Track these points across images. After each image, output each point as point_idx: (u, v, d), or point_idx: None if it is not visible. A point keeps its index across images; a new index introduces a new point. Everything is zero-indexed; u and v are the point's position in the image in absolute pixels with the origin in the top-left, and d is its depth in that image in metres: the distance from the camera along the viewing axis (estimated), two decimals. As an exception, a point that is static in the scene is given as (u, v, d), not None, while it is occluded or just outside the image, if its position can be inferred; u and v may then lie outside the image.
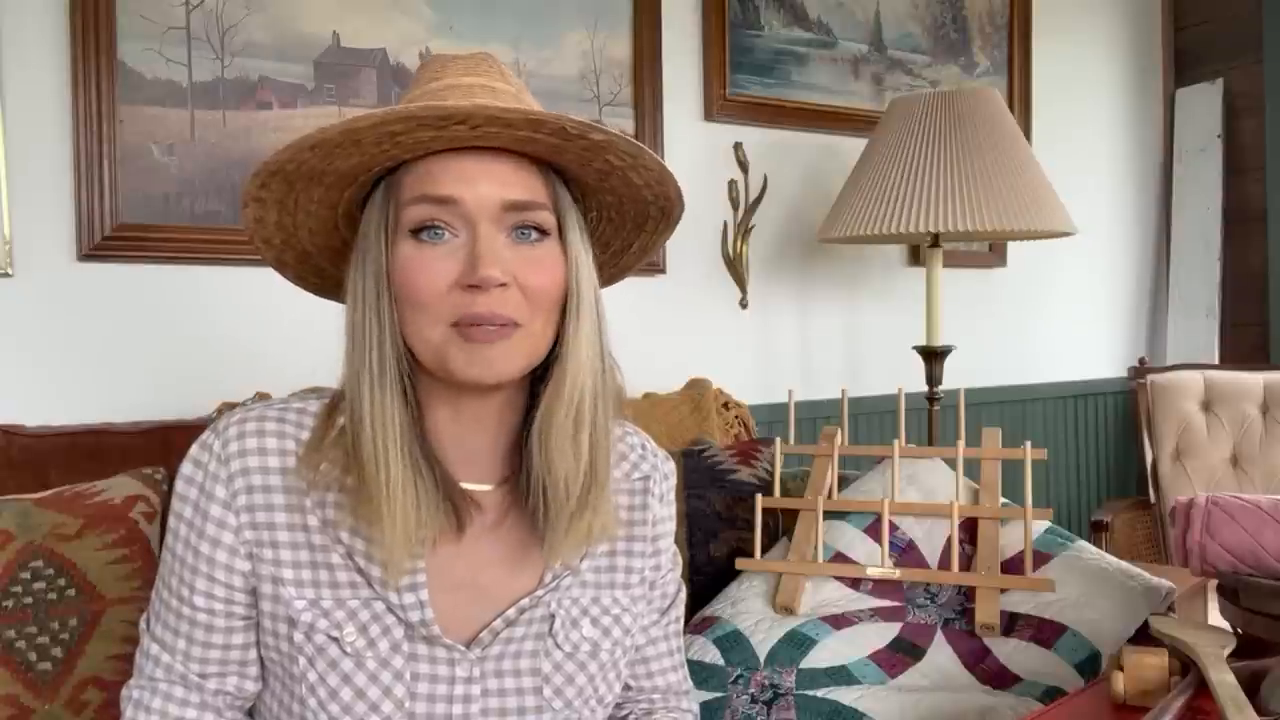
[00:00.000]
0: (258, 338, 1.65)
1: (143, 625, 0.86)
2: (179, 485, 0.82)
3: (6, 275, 1.49)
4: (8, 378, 1.50)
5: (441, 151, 0.76)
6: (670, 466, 0.97)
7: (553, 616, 0.85)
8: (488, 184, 0.75)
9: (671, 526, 0.96)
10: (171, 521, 0.82)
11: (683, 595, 0.99)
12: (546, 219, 0.78)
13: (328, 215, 0.83)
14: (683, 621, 1.00)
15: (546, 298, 0.78)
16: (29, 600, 1.17)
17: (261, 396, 1.52)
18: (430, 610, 0.80)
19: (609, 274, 0.93)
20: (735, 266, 2.16)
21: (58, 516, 1.21)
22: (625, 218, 0.87)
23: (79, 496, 1.24)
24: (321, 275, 0.89)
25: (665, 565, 0.95)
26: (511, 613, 0.83)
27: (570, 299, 0.80)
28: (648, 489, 0.93)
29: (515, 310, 0.76)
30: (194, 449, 0.82)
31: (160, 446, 1.39)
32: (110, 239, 1.54)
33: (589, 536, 0.82)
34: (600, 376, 0.82)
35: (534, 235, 0.78)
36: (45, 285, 1.52)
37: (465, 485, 0.82)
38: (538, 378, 0.82)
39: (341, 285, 0.82)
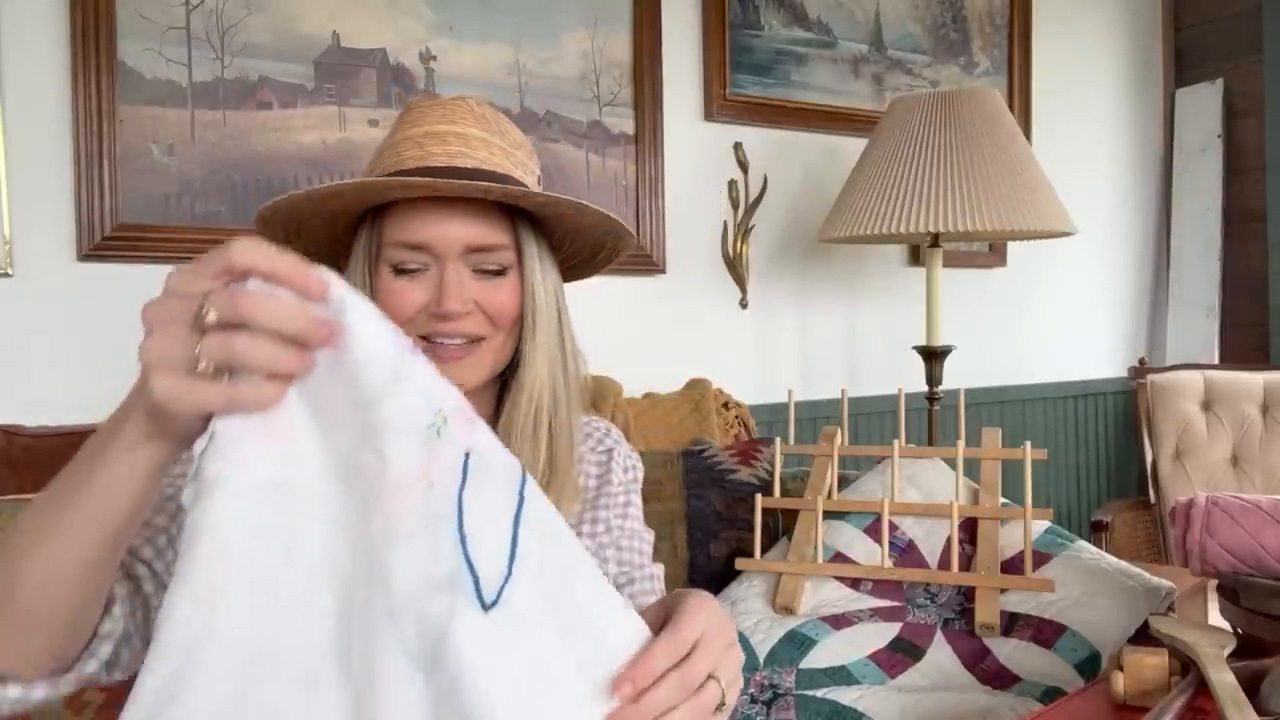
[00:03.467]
0: (258, 338, 1.64)
1: None
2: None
3: (6, 275, 1.49)
4: (8, 378, 1.50)
5: (418, 198, 0.87)
6: (631, 451, 1.07)
7: None
8: (454, 230, 0.86)
9: (637, 488, 1.06)
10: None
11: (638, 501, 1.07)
12: (506, 257, 0.89)
13: (327, 231, 0.92)
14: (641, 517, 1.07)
15: (505, 318, 0.90)
16: (29, 600, 1.16)
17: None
18: None
19: (583, 272, 1.04)
20: (735, 266, 2.16)
21: (58, 516, 1.21)
22: (585, 243, 0.98)
23: (79, 496, 1.24)
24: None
25: (633, 514, 1.04)
26: None
27: (527, 319, 0.91)
28: (612, 458, 1.04)
29: (478, 327, 0.88)
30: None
31: (160, 446, 1.39)
32: (110, 239, 1.54)
33: None
34: (561, 379, 0.93)
35: (494, 268, 0.89)
36: (45, 285, 1.52)
37: None
38: (504, 384, 0.94)
39: None
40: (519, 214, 0.90)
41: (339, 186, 0.84)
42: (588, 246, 0.99)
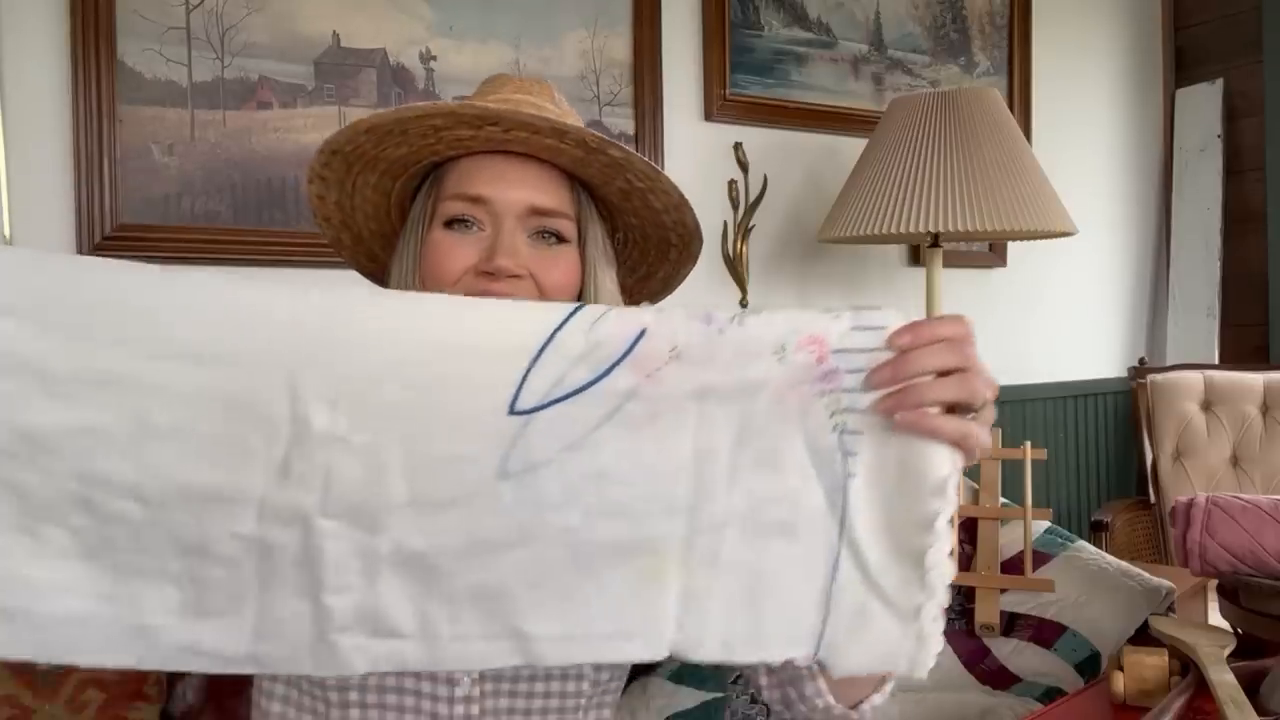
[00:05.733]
0: (258, 338, 1.64)
1: None
2: None
3: (6, 275, 1.49)
4: (8, 378, 1.50)
5: (480, 153, 0.82)
6: None
7: None
8: (517, 188, 0.80)
9: None
10: None
11: None
12: (567, 227, 0.82)
13: (381, 201, 0.88)
14: None
15: (558, 292, 0.81)
16: (29, 600, 1.17)
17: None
18: None
19: (636, 298, 0.98)
20: (735, 266, 2.16)
21: (58, 516, 1.21)
22: (649, 243, 0.91)
23: (79, 496, 1.24)
24: (374, 260, 0.94)
25: None
26: None
27: (588, 299, 0.83)
28: None
29: (528, 295, 0.79)
30: None
31: (160, 446, 1.39)
32: (110, 239, 1.54)
33: None
34: None
35: (554, 240, 0.82)
36: (45, 285, 1.52)
37: None
38: None
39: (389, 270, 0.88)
40: (582, 189, 0.85)
41: (429, 107, 0.76)
42: (648, 255, 0.91)
